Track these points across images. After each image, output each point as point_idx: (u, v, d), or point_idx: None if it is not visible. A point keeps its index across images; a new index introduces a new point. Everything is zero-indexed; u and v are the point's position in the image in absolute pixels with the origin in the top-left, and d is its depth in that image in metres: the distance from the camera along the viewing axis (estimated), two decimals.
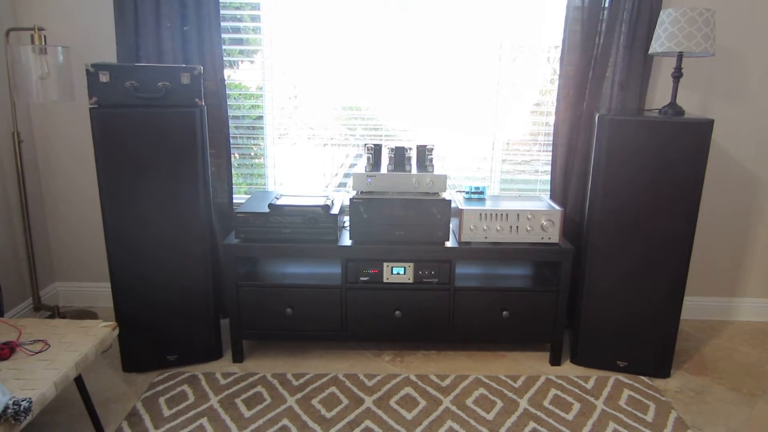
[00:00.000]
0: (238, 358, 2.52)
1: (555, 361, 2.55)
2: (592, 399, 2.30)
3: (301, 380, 2.39)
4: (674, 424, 2.14)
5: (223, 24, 2.62)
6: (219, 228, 2.75)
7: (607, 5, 2.55)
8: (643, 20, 2.53)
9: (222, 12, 2.60)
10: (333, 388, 2.33)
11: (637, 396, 2.32)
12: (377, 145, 2.63)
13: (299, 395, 2.28)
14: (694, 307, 3.07)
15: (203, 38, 2.56)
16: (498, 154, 2.93)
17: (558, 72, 2.67)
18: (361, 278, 2.46)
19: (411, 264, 2.44)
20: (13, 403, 1.46)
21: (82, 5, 2.68)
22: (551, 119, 2.82)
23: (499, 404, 2.25)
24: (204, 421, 2.11)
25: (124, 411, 2.17)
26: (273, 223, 2.39)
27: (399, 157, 2.54)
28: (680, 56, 2.32)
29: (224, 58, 2.64)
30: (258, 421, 2.12)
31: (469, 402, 2.26)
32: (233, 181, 2.80)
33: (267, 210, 2.40)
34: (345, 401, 2.25)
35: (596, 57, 2.60)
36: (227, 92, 2.71)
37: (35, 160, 2.89)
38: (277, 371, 2.46)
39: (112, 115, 2.13)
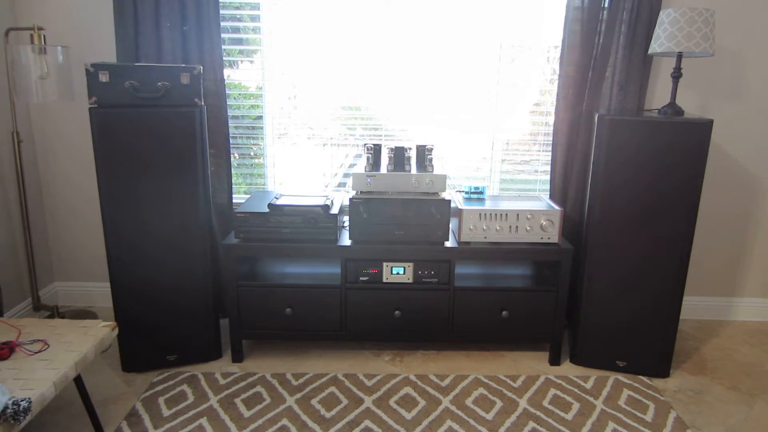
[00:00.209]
0: (237, 358, 2.52)
1: (554, 360, 2.55)
2: (591, 399, 2.30)
3: (301, 380, 2.39)
4: (673, 424, 2.14)
5: (222, 24, 2.62)
6: (218, 228, 2.75)
7: (606, 5, 2.55)
8: (642, 20, 2.53)
9: (222, 12, 2.60)
10: (332, 388, 2.34)
11: (637, 396, 2.32)
12: (377, 145, 2.64)
13: (299, 395, 2.28)
14: (693, 306, 3.07)
15: (203, 38, 2.56)
16: (497, 154, 2.93)
17: (558, 72, 2.67)
18: (361, 278, 2.46)
19: (410, 264, 2.44)
20: (13, 403, 1.46)
21: (82, 5, 2.68)
22: (551, 119, 2.82)
23: (499, 404, 2.25)
24: (203, 421, 2.11)
25: (124, 411, 2.17)
26: (273, 223, 2.39)
27: (398, 157, 2.54)
28: (680, 56, 2.32)
29: (224, 58, 2.64)
30: (257, 420, 2.12)
31: (468, 402, 2.26)
32: (233, 181, 2.80)
33: (267, 210, 2.40)
34: (344, 401, 2.25)
35: (596, 57, 2.60)
36: (227, 92, 2.71)
37: (35, 159, 2.89)
38: (277, 371, 2.46)
39: (111, 114, 2.13)
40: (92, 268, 3.06)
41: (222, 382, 2.37)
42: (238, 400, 2.24)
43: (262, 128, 2.91)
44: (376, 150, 2.60)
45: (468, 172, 2.97)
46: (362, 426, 2.10)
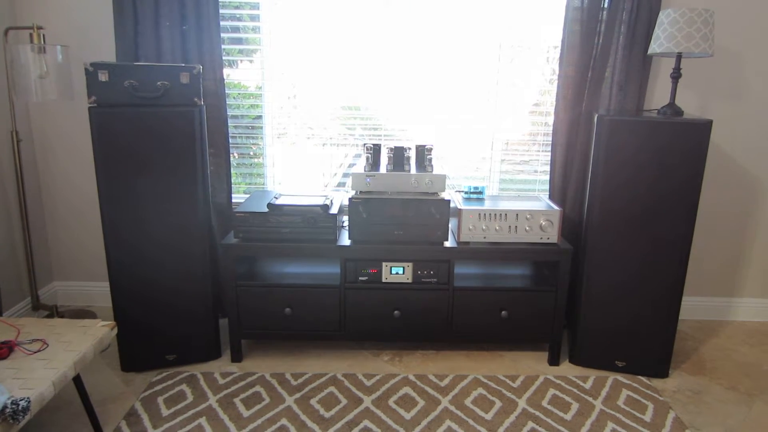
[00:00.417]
0: (236, 357, 2.52)
1: (553, 361, 2.55)
2: (590, 399, 2.30)
3: (300, 380, 2.39)
4: (672, 424, 2.15)
5: (222, 23, 2.62)
6: (218, 227, 2.75)
7: (606, 6, 2.55)
8: (642, 21, 2.54)
9: (221, 11, 2.60)
10: (332, 388, 2.33)
11: (636, 396, 2.32)
12: (376, 144, 2.64)
13: (298, 395, 2.28)
14: (692, 307, 3.07)
15: (202, 37, 2.56)
16: (497, 154, 2.93)
17: (557, 72, 2.67)
18: (360, 278, 2.46)
19: (410, 264, 2.44)
20: (12, 403, 1.46)
21: (81, 4, 2.68)
22: (550, 119, 2.82)
23: (498, 404, 2.25)
24: (203, 420, 2.11)
25: (123, 411, 2.17)
26: (272, 222, 2.39)
27: (398, 156, 2.54)
28: (679, 57, 2.32)
29: (223, 58, 2.64)
30: (257, 420, 2.12)
31: (467, 402, 2.26)
32: (232, 181, 2.80)
33: (266, 210, 2.40)
34: (344, 401, 2.25)
35: (595, 57, 2.61)
36: (226, 92, 2.71)
37: (34, 159, 2.88)
38: (276, 371, 2.46)
39: (111, 114, 2.13)
40: (91, 267, 3.05)
41: (221, 381, 2.37)
42: (237, 400, 2.24)
43: (261, 128, 2.91)
44: (375, 150, 2.60)
45: (467, 172, 2.97)
46: (361, 426, 2.10)
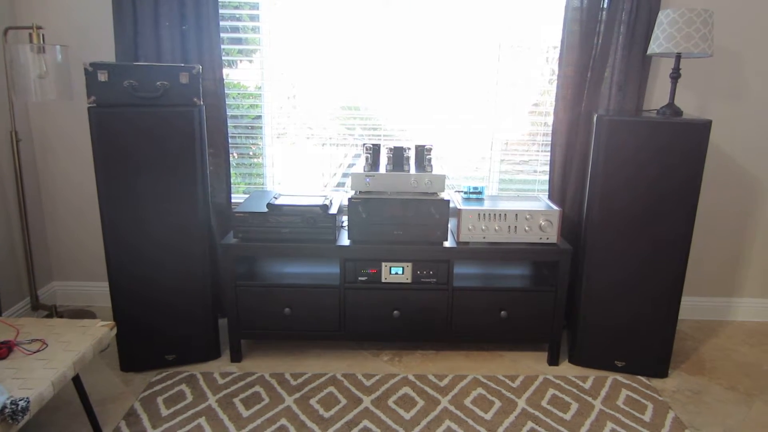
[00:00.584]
0: (236, 357, 2.52)
1: (553, 361, 2.55)
2: (590, 399, 2.30)
3: (300, 380, 2.39)
4: (672, 424, 2.15)
5: (221, 23, 2.62)
6: (217, 227, 2.75)
7: (605, 6, 2.55)
8: (641, 21, 2.54)
9: (221, 11, 2.60)
10: (331, 388, 2.33)
11: (635, 396, 2.32)
12: (376, 144, 2.64)
13: (297, 395, 2.28)
14: (692, 307, 3.07)
15: (202, 37, 2.56)
16: (496, 154, 2.93)
17: (556, 72, 2.67)
18: (360, 278, 2.46)
19: (409, 264, 2.44)
20: (11, 403, 1.46)
21: (81, 4, 2.68)
22: (550, 119, 2.82)
23: (497, 404, 2.25)
24: (202, 420, 2.11)
25: (122, 411, 2.17)
26: (271, 222, 2.39)
27: (397, 157, 2.54)
28: (678, 57, 2.32)
29: (223, 58, 2.64)
30: (256, 420, 2.12)
31: (467, 402, 2.26)
32: (232, 181, 2.80)
33: (265, 210, 2.40)
34: (343, 401, 2.25)
35: (595, 57, 2.61)
36: (226, 92, 2.71)
37: (33, 159, 2.88)
38: (276, 371, 2.46)
39: (110, 114, 2.13)
40: (91, 267, 3.05)
41: (220, 381, 2.36)
42: (236, 400, 2.24)
43: (261, 128, 2.91)
44: (375, 150, 2.60)
45: (467, 172, 2.97)
46: (361, 426, 2.10)
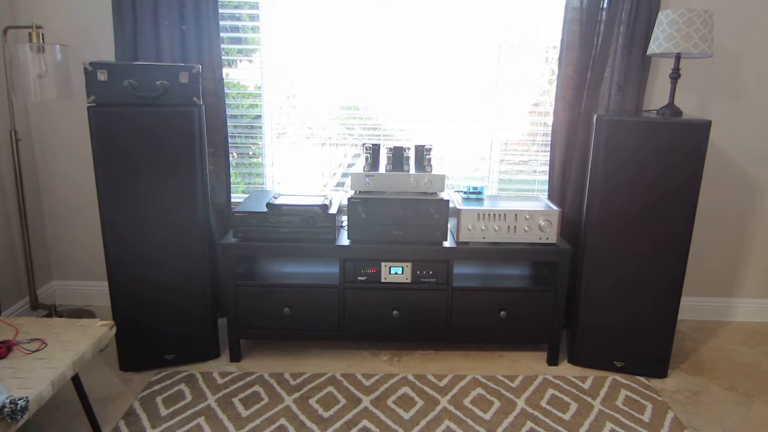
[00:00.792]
0: (235, 357, 2.52)
1: (552, 361, 2.55)
2: (589, 399, 2.30)
3: (299, 380, 2.39)
4: (671, 425, 2.15)
5: (221, 23, 2.62)
6: (217, 227, 2.75)
7: (605, 6, 2.55)
8: (641, 21, 2.54)
9: (220, 11, 2.60)
10: (330, 388, 2.33)
11: (634, 396, 2.32)
12: (375, 144, 2.64)
13: (297, 395, 2.28)
14: (691, 307, 3.08)
15: (202, 37, 2.56)
16: (496, 155, 2.93)
17: (556, 72, 2.67)
18: (359, 278, 2.46)
19: (409, 264, 2.44)
20: (10, 402, 1.46)
21: (81, 4, 2.68)
22: (549, 119, 2.82)
23: (497, 404, 2.25)
24: (201, 420, 2.11)
25: (121, 410, 2.17)
26: (271, 222, 2.39)
27: (397, 156, 2.54)
28: (678, 57, 2.32)
29: (223, 57, 2.64)
30: (255, 420, 2.11)
31: (466, 402, 2.26)
32: (231, 181, 2.80)
33: (265, 209, 2.39)
34: (342, 401, 2.25)
35: (594, 58, 2.61)
36: (226, 91, 2.70)
37: (33, 158, 2.88)
38: (275, 371, 2.46)
39: (110, 113, 2.13)
40: (90, 267, 3.05)
41: (220, 381, 2.36)
42: (236, 400, 2.24)
43: (260, 128, 2.91)
44: (374, 150, 2.60)
45: (466, 172, 2.97)
46: (360, 426, 2.10)
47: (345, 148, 2.97)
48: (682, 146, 2.20)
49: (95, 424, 2.00)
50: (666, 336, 2.40)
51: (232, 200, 2.83)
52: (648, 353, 2.44)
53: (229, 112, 2.83)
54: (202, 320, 2.43)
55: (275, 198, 2.47)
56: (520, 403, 2.26)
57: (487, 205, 2.47)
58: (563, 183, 2.78)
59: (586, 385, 2.39)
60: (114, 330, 2.00)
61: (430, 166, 2.45)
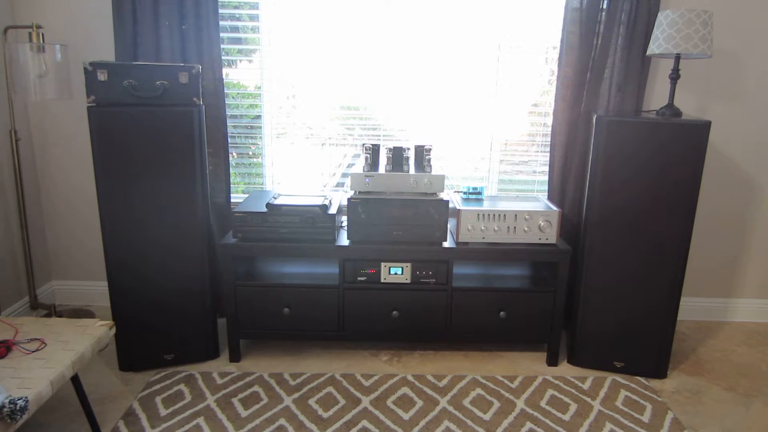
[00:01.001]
0: (235, 357, 2.52)
1: (552, 361, 2.55)
2: (588, 399, 2.30)
3: (298, 380, 2.39)
4: (670, 425, 2.15)
5: (221, 23, 2.62)
6: (217, 227, 2.75)
7: (605, 6, 2.55)
8: (641, 22, 2.54)
9: (220, 11, 2.60)
10: (330, 388, 2.33)
11: (634, 396, 2.32)
12: (375, 145, 2.64)
13: (296, 395, 2.28)
14: (690, 307, 3.08)
15: (202, 37, 2.56)
16: (496, 155, 2.93)
17: (556, 73, 2.68)
18: (359, 278, 2.46)
19: (408, 264, 2.44)
20: (9, 402, 1.46)
21: (81, 3, 2.68)
22: (549, 120, 2.82)
23: (496, 404, 2.25)
24: (200, 420, 2.11)
25: (121, 410, 2.16)
26: (271, 222, 2.39)
27: (397, 157, 2.54)
28: (678, 58, 2.32)
29: (223, 57, 2.64)
30: (255, 420, 2.11)
31: (466, 402, 2.26)
32: (231, 181, 2.80)
33: (265, 209, 2.39)
34: (342, 401, 2.25)
35: (594, 58, 2.61)
36: (225, 91, 2.71)
37: (32, 158, 2.88)
38: (274, 371, 2.46)
39: (109, 113, 2.13)
40: (90, 266, 3.05)
41: (219, 381, 2.36)
42: (235, 400, 2.24)
43: (260, 128, 2.91)
44: (374, 150, 2.60)
45: (466, 172, 2.98)
46: (359, 426, 2.10)
47: (345, 149, 2.97)
48: (682, 146, 2.20)
49: (94, 424, 2.00)
50: (665, 336, 2.40)
51: (232, 200, 2.83)
52: (647, 354, 2.44)
53: (228, 112, 2.83)
54: (201, 320, 2.43)
55: (275, 198, 2.47)
56: (520, 404, 2.26)
57: (486, 206, 2.47)
58: (563, 183, 2.78)
59: (586, 386, 2.40)
60: (113, 330, 2.00)
61: (430, 166, 2.45)
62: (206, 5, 2.52)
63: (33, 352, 1.78)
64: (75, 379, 1.93)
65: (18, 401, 1.47)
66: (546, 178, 2.87)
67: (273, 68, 2.82)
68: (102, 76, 2.13)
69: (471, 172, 2.98)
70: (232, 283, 2.43)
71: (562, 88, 2.65)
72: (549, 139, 2.78)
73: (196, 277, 2.36)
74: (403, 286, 2.46)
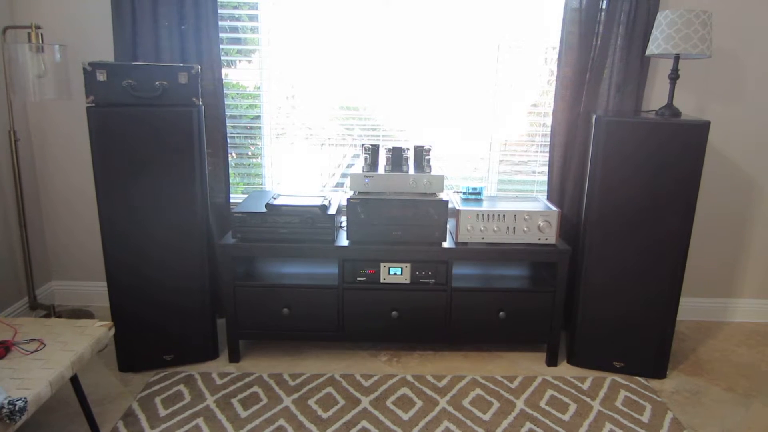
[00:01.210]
0: (234, 358, 2.52)
1: (551, 361, 2.55)
2: (588, 400, 2.30)
3: (298, 380, 2.38)
4: (670, 425, 2.15)
5: (220, 23, 2.62)
6: (216, 227, 2.75)
7: (604, 7, 2.55)
8: (640, 22, 2.54)
9: (220, 11, 2.60)
10: (329, 389, 2.33)
11: (633, 397, 2.32)
12: (375, 145, 2.63)
13: (296, 395, 2.28)
14: (690, 308, 3.08)
15: (201, 37, 2.56)
16: (495, 155, 2.93)
17: (555, 73, 2.68)
18: (358, 278, 2.46)
19: (408, 264, 2.44)
20: (8, 403, 1.46)
21: (80, 4, 2.67)
22: (548, 120, 2.82)
23: (496, 405, 2.25)
24: (200, 421, 2.11)
25: (120, 411, 2.16)
26: (270, 222, 2.38)
27: (396, 157, 2.54)
28: (677, 58, 2.32)
29: (222, 58, 2.64)
30: (254, 421, 2.11)
31: (465, 402, 2.26)
32: (230, 181, 2.80)
33: (264, 210, 2.39)
34: (341, 401, 2.25)
35: (593, 58, 2.61)
36: (225, 92, 2.70)
37: (32, 158, 2.88)
38: (274, 371, 2.46)
39: (109, 113, 2.13)
40: (89, 267, 3.05)
41: (219, 382, 2.36)
42: (234, 401, 2.24)
43: (260, 128, 2.90)
44: (374, 150, 2.60)
45: (466, 172, 2.98)
46: (359, 426, 2.10)
47: (344, 149, 2.97)
48: (681, 147, 2.20)
49: (94, 424, 2.00)
50: (665, 336, 2.40)
51: (231, 200, 2.83)
52: (647, 354, 2.44)
53: (228, 112, 2.82)
54: (200, 321, 2.43)
55: (274, 198, 2.47)
56: (519, 404, 2.26)
57: (486, 206, 2.47)
58: (562, 183, 2.78)
59: (585, 386, 2.40)
60: (113, 330, 1.99)
61: (429, 166, 2.45)
62: (205, 5, 2.51)
63: (32, 352, 1.77)
64: (74, 380, 1.93)
65: (17, 402, 1.47)
66: (545, 178, 2.87)
67: (272, 68, 2.82)
68: (101, 76, 2.13)
69: (470, 173, 2.98)
70: (231, 283, 2.43)
71: (561, 88, 2.65)
72: (548, 139, 2.78)
73: (196, 277, 2.36)
74: (403, 286, 2.46)
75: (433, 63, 2.80)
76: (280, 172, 2.98)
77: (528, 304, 2.48)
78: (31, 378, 1.63)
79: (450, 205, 2.52)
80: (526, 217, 2.41)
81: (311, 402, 2.24)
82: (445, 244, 2.44)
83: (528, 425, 2.12)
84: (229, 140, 2.79)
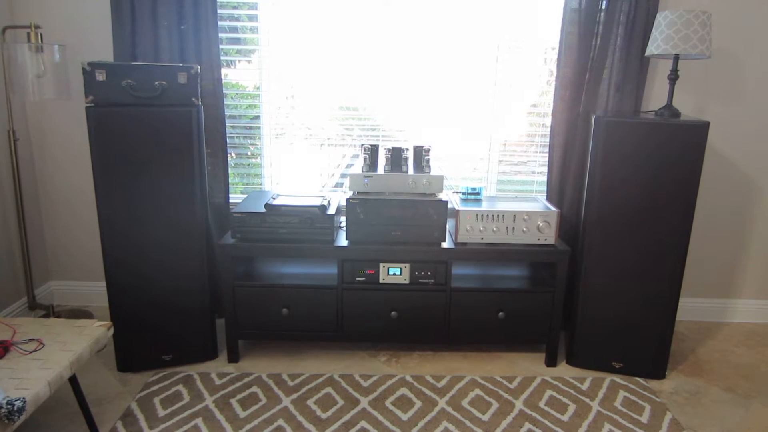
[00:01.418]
0: (233, 358, 2.52)
1: (551, 362, 2.55)
2: (587, 400, 2.30)
3: (297, 380, 2.38)
4: (669, 426, 2.15)
5: (220, 23, 2.62)
6: (215, 227, 2.75)
7: (603, 7, 2.55)
8: (639, 22, 2.54)
9: (219, 11, 2.60)
10: (328, 389, 2.33)
11: (633, 397, 2.32)
12: (374, 145, 2.63)
13: (295, 396, 2.28)
14: (689, 308, 3.08)
15: (200, 37, 2.56)
16: (495, 155, 2.93)
17: (555, 73, 2.68)
18: (358, 279, 2.45)
19: (407, 265, 2.44)
20: (7, 403, 1.45)
21: (79, 3, 2.67)
22: (548, 120, 2.82)
23: (495, 405, 2.25)
24: (199, 421, 2.11)
25: (119, 411, 2.16)
26: (269, 223, 2.38)
27: (396, 157, 2.54)
28: (676, 58, 2.32)
29: (221, 58, 2.64)
30: (253, 421, 2.11)
31: (464, 403, 2.26)
32: (230, 181, 2.80)
33: (263, 210, 2.39)
34: (340, 402, 2.25)
35: (593, 59, 2.61)
36: (224, 92, 2.70)
37: (31, 158, 2.88)
38: (273, 371, 2.46)
39: (108, 113, 2.13)
40: (88, 267, 3.05)
41: (218, 382, 2.36)
42: (233, 401, 2.23)
43: (259, 128, 2.90)
44: (373, 150, 2.60)
45: (465, 172, 2.98)
46: (358, 427, 2.10)
47: (343, 149, 2.97)
48: (681, 147, 2.20)
49: (92, 424, 1.99)
50: (664, 337, 2.40)
51: (231, 200, 2.83)
52: (646, 354, 2.44)
53: (227, 112, 2.82)
54: (199, 321, 2.43)
55: (273, 198, 2.47)
56: (519, 404, 2.26)
57: (485, 206, 2.47)
58: (562, 184, 2.78)
59: (585, 386, 2.39)
60: (111, 330, 1.99)
61: (429, 166, 2.45)
62: (205, 5, 2.51)
63: (31, 352, 1.77)
64: (73, 380, 1.93)
65: (16, 402, 1.47)
66: (545, 178, 2.87)
67: (272, 68, 2.82)
68: (100, 76, 2.13)
69: (470, 173, 2.98)
70: (230, 283, 2.43)
71: (560, 88, 2.65)
72: (548, 139, 2.78)
73: (195, 277, 2.36)
74: (402, 286, 2.46)
75: (433, 63, 2.80)
76: (279, 172, 2.98)
77: (527, 305, 2.48)
78: (30, 378, 1.62)
79: (449, 206, 2.52)
80: (526, 217, 2.41)
81: (310, 402, 2.24)
82: (445, 245, 2.44)
83: (527, 425, 2.12)
84: (228, 140, 2.79)
